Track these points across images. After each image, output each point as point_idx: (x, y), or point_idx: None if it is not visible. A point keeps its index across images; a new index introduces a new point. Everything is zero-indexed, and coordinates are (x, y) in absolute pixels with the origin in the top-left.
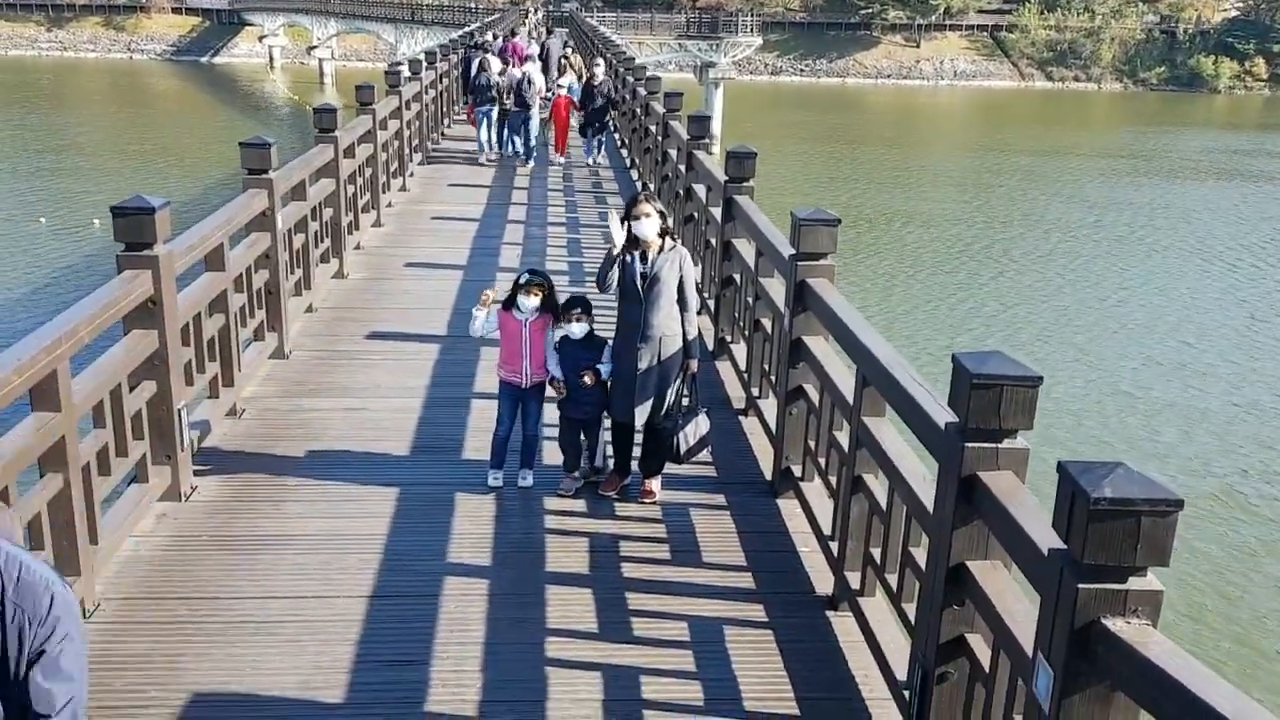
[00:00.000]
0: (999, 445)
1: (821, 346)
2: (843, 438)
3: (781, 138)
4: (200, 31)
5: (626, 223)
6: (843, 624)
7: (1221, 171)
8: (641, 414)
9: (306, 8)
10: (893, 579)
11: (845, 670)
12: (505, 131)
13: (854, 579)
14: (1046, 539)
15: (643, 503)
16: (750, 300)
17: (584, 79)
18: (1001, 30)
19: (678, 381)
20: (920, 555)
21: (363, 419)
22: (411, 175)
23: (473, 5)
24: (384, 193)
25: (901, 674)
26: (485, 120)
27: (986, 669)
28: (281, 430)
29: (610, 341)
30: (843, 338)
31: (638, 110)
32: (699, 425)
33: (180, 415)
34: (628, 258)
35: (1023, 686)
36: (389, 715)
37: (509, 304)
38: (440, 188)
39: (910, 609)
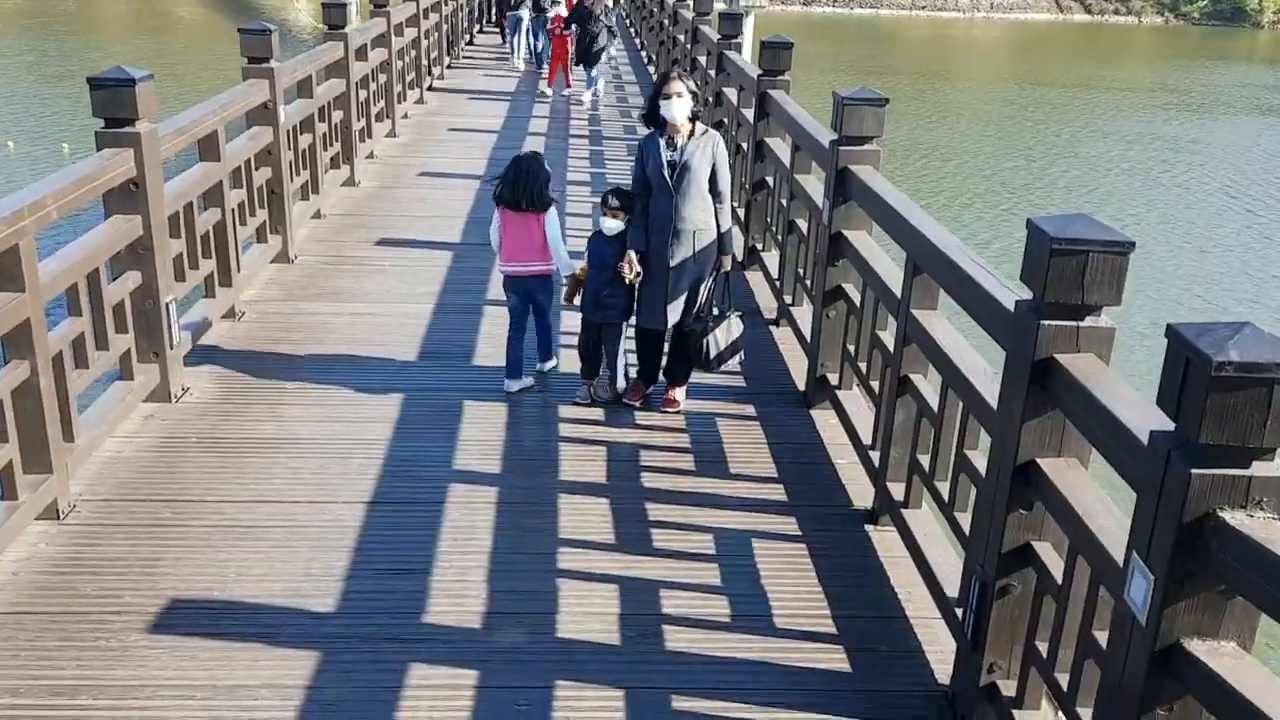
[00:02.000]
0: (1080, 323)
1: (864, 240)
2: (887, 338)
3: (811, 68)
4: None
5: (655, 102)
6: (884, 539)
7: (1257, 107)
8: (673, 314)
9: None
10: (943, 487)
11: (887, 587)
12: (535, 40)
13: (897, 490)
14: (1144, 422)
15: (665, 412)
16: (785, 202)
17: None
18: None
19: (710, 279)
20: (978, 460)
21: (369, 324)
22: (430, 89)
23: None
24: (400, 102)
25: (952, 590)
26: (517, 27)
27: (1059, 579)
28: (282, 333)
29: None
30: (891, 223)
31: (665, 21)
32: (730, 328)
33: (168, 310)
34: (659, 143)
35: (1106, 597)
36: (383, 625)
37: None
38: (460, 100)
39: (964, 519)
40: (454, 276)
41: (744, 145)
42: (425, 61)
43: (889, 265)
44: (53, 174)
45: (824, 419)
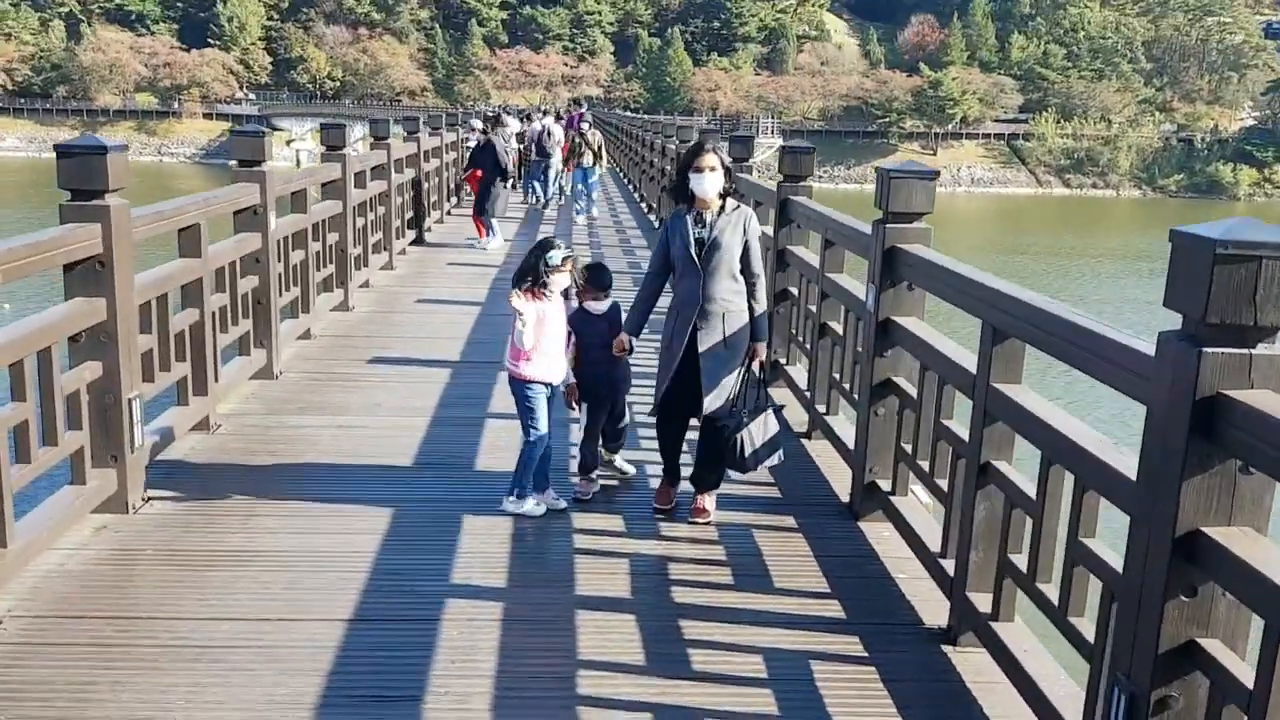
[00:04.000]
0: (1253, 351)
1: (917, 324)
2: (956, 426)
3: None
4: (229, 135)
5: (684, 176)
6: (968, 660)
7: None
8: (706, 405)
9: (334, 113)
10: (1048, 589)
11: (978, 714)
12: (529, 181)
13: (982, 601)
14: None
15: (694, 523)
16: (814, 306)
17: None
18: (1018, 139)
19: (742, 369)
20: (1096, 546)
21: (357, 435)
22: (429, 230)
23: (501, 112)
24: (398, 238)
25: (1073, 714)
26: (543, 180)
27: (1245, 683)
28: (260, 445)
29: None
30: (961, 293)
31: (653, 159)
32: (767, 423)
33: (131, 407)
34: (687, 220)
35: None
36: None
37: (530, 284)
38: (459, 235)
39: (1083, 624)
40: (452, 392)
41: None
42: (426, 202)
43: (953, 344)
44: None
45: (876, 530)
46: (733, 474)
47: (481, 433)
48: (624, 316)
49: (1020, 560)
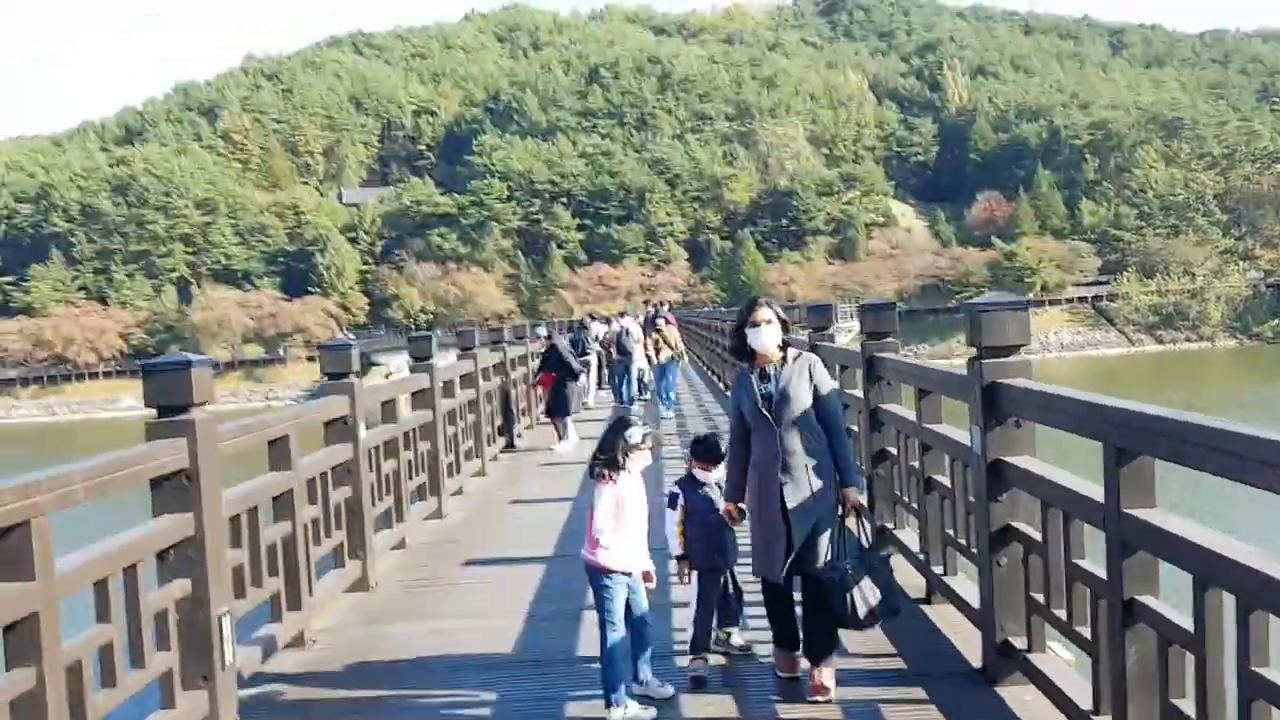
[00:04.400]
0: None
1: (1030, 461)
2: (1091, 565)
3: None
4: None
5: (742, 332)
6: None
7: None
8: (803, 563)
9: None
10: None
11: None
12: (613, 379)
13: None
14: None
15: (814, 701)
16: (916, 463)
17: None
18: (1102, 300)
19: (837, 518)
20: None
21: (454, 638)
22: (520, 435)
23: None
24: (489, 444)
25: None
26: (626, 378)
27: None
28: (356, 657)
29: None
30: (1075, 416)
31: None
32: (878, 574)
33: (221, 625)
34: (750, 378)
35: None
36: None
37: (604, 464)
38: (550, 439)
39: None
40: (550, 585)
41: (854, 426)
42: (515, 409)
43: (1068, 475)
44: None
45: (1017, 695)
46: (850, 639)
47: (580, 625)
48: None
49: (1186, 705)
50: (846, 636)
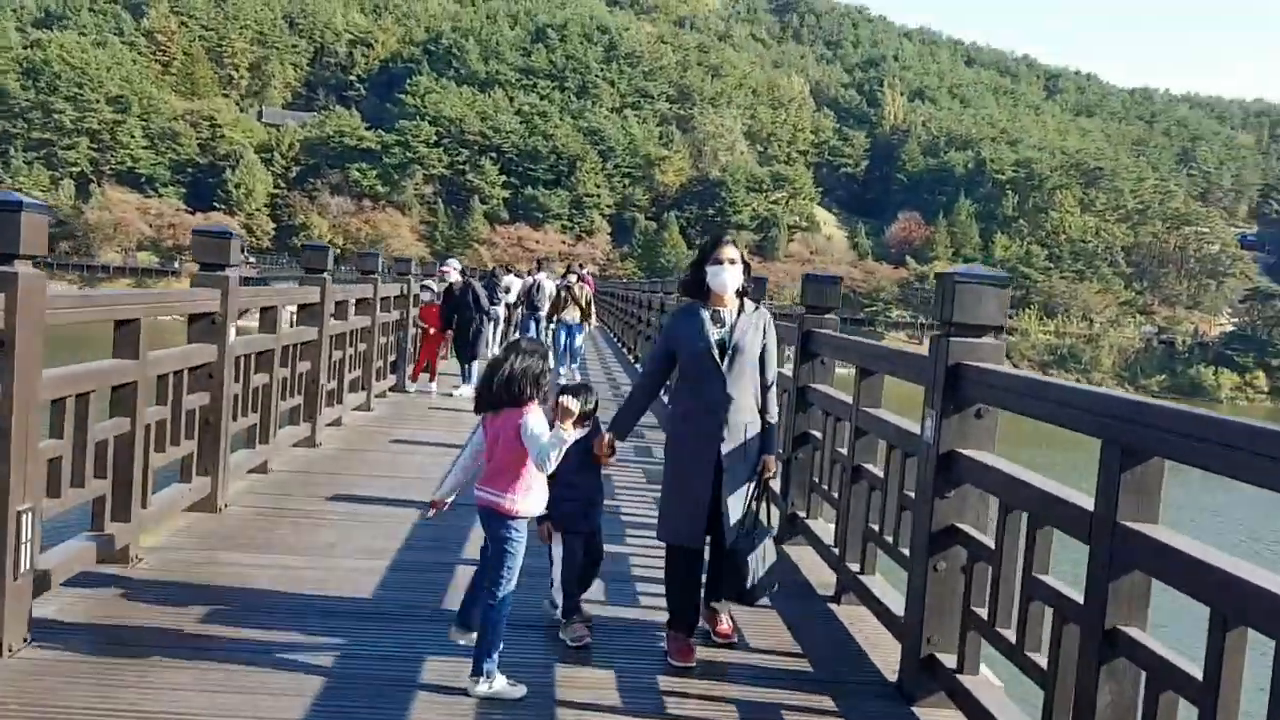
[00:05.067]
0: None
1: (991, 458)
2: (1062, 584)
3: None
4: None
5: (701, 270)
6: None
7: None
8: (727, 525)
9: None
10: None
11: None
12: (522, 334)
13: None
14: None
15: (716, 641)
16: (843, 449)
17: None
18: (1001, 332)
19: (753, 484)
20: None
21: (301, 578)
22: (413, 377)
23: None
24: (378, 379)
25: None
26: (534, 334)
27: None
28: (182, 585)
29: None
30: (1069, 403)
31: (650, 317)
32: (767, 551)
33: (21, 522)
34: (702, 316)
35: None
36: None
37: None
38: (443, 384)
39: None
40: (423, 533)
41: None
42: (412, 347)
43: (1039, 476)
44: None
45: (938, 718)
46: (749, 631)
47: (449, 578)
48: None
49: None
50: (746, 628)
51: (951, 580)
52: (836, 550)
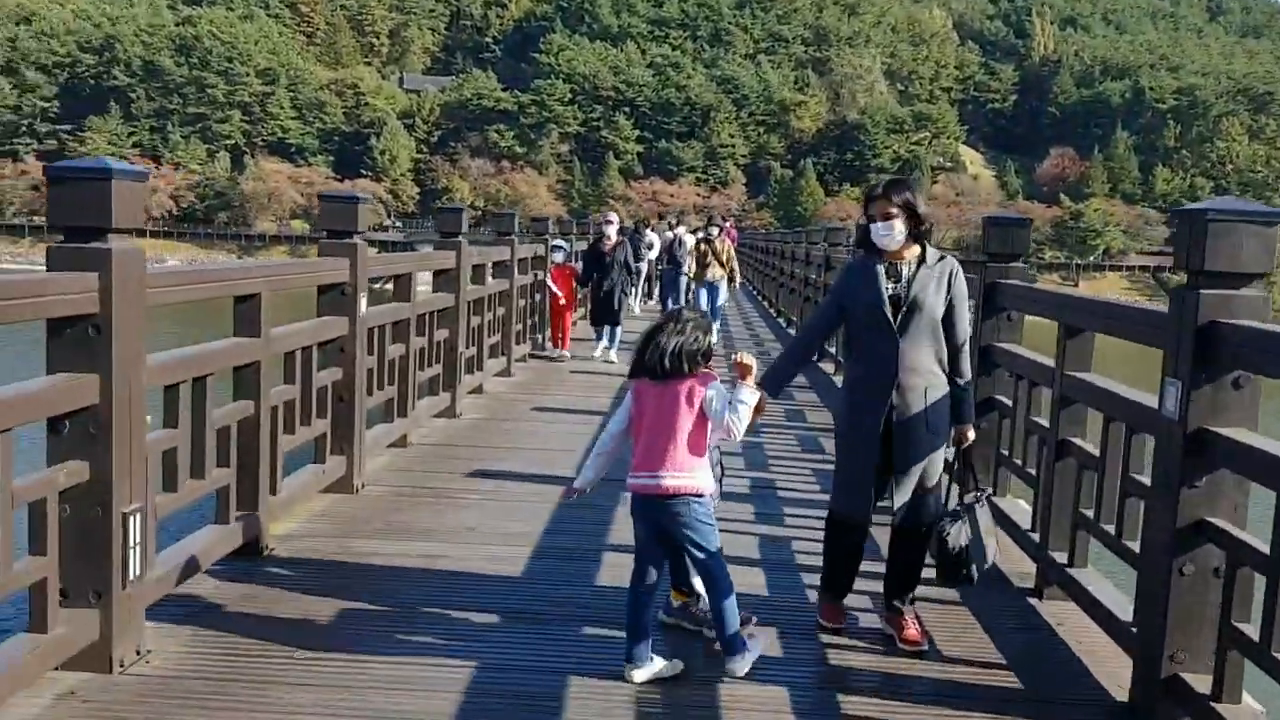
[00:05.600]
0: None
1: (1255, 437)
2: None
3: None
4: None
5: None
6: None
7: None
8: (900, 497)
9: (474, 238)
10: None
11: None
12: (663, 290)
13: None
14: None
15: (903, 649)
16: (1042, 420)
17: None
18: (1164, 271)
19: (942, 452)
20: None
21: (438, 568)
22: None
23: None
24: (518, 343)
25: None
26: (674, 290)
27: None
28: (315, 578)
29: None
30: None
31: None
32: (984, 521)
33: (127, 526)
34: (877, 270)
35: None
36: None
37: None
38: (583, 348)
39: None
40: (565, 514)
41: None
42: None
43: None
44: None
45: None
46: (938, 634)
47: (599, 567)
48: None
49: None
50: (934, 630)
51: (1200, 586)
52: (1036, 537)
